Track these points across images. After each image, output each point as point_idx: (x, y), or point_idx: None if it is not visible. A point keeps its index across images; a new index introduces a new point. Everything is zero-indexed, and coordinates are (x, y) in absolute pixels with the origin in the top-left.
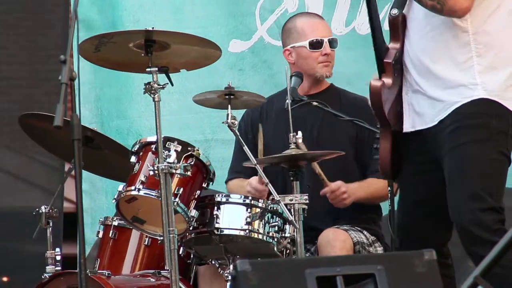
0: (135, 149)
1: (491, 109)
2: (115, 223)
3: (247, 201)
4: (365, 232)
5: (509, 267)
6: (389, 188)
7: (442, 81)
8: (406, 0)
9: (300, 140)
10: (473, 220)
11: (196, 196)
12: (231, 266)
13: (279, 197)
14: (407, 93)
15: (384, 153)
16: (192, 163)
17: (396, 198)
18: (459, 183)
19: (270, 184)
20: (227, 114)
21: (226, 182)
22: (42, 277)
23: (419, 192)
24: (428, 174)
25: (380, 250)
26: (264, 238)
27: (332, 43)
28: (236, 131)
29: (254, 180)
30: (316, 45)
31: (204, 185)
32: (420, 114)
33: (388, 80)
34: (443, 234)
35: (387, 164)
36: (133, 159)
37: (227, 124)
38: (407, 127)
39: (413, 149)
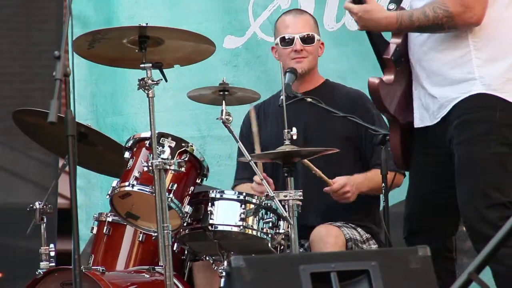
0: (129, 144)
1: (492, 102)
2: (109, 219)
3: (241, 197)
4: (359, 229)
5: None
6: (383, 185)
7: (442, 77)
8: None
9: (295, 137)
10: (477, 217)
11: (190, 192)
12: (225, 262)
13: (274, 193)
14: (416, 88)
15: (394, 146)
16: (186, 159)
17: (391, 194)
18: (464, 179)
19: (264, 180)
20: (222, 110)
21: (232, 189)
22: (36, 273)
23: (430, 184)
24: (441, 166)
25: (374, 247)
26: (258, 234)
27: (306, 39)
28: (231, 127)
29: (257, 176)
30: (287, 41)
31: (198, 181)
32: (427, 110)
33: (389, 76)
34: (449, 228)
35: (399, 156)
36: (127, 154)
37: (221, 120)
38: (417, 123)
39: (428, 141)
